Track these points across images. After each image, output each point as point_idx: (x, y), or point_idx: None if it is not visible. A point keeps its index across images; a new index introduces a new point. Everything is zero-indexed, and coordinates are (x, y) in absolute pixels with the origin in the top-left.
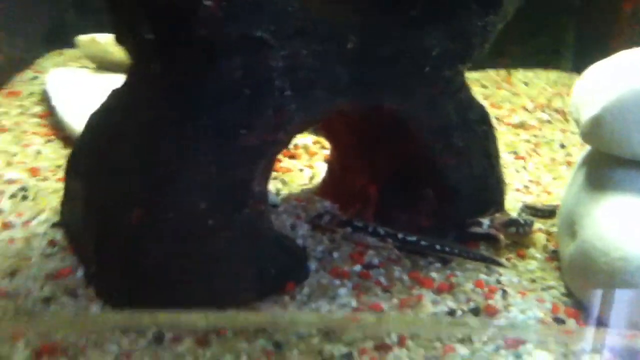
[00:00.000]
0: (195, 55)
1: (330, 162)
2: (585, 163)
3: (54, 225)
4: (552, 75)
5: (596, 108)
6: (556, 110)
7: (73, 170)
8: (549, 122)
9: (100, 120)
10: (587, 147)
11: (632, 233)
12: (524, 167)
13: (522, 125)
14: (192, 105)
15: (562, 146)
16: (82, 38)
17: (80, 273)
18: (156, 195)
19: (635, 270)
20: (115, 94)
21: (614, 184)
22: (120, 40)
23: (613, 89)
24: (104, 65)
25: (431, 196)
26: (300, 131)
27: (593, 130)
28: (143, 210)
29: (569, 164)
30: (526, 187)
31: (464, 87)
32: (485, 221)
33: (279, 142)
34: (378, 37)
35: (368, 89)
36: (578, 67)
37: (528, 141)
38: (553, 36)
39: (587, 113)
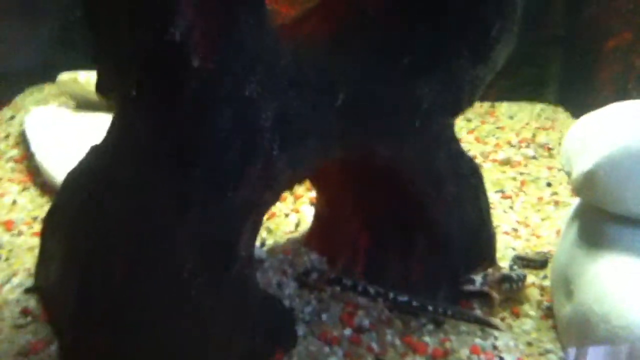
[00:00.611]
0: (182, 112)
1: (317, 209)
2: (578, 216)
3: (28, 290)
4: (537, 108)
5: (589, 163)
6: (541, 146)
7: (50, 231)
8: (534, 158)
9: (80, 177)
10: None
11: (633, 299)
12: (511, 207)
13: (507, 162)
14: (177, 163)
15: (549, 184)
16: (63, 76)
17: (54, 347)
18: (141, 255)
19: (638, 340)
20: (96, 150)
21: (609, 241)
22: (103, 90)
23: (606, 143)
24: (85, 104)
25: (423, 248)
26: (290, 187)
27: (585, 185)
28: (127, 270)
29: (556, 203)
30: (514, 229)
31: (454, 139)
32: (478, 278)
33: (266, 201)
34: (369, 88)
35: (359, 140)
36: (563, 99)
37: (514, 179)
38: (538, 68)
39: (579, 167)
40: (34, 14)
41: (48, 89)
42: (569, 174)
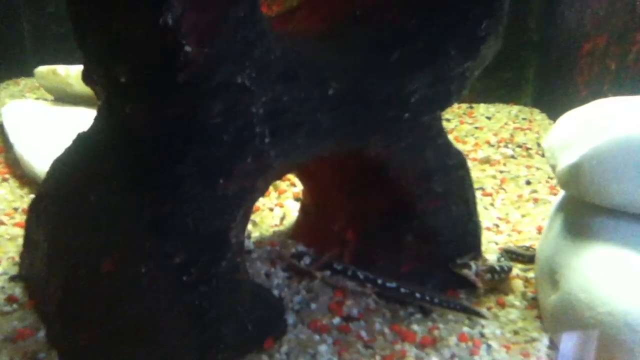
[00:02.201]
0: (175, 98)
1: (304, 202)
2: (562, 209)
3: (13, 278)
4: (514, 109)
5: (574, 156)
6: (519, 145)
7: (35, 219)
8: (513, 157)
9: (66, 166)
10: (562, 192)
11: (618, 287)
12: (492, 204)
13: (487, 161)
14: (168, 152)
15: (528, 182)
16: (41, 69)
17: (41, 334)
18: (130, 247)
19: (623, 326)
20: (82, 138)
21: (594, 233)
22: (89, 79)
23: (591, 137)
24: (63, 97)
25: (411, 241)
26: (280, 177)
27: (571, 179)
28: (115, 262)
29: (535, 201)
30: (496, 225)
31: (442, 133)
32: (474, 265)
33: (257, 190)
34: (359, 83)
35: (349, 134)
36: (538, 102)
37: (494, 177)
38: (514, 71)
39: (564, 160)
40: (7, 7)
41: (24, 82)
42: (554, 167)
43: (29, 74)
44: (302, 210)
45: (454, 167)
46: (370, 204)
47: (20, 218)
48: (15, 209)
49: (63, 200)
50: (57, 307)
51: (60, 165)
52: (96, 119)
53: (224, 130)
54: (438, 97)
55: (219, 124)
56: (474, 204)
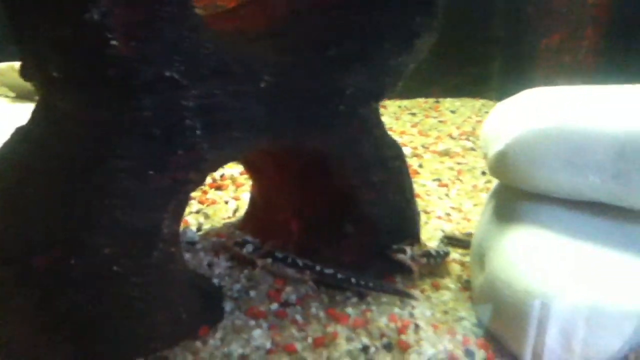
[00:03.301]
0: (105, 94)
1: (252, 195)
2: (494, 196)
3: None
4: (478, 103)
5: (500, 144)
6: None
7: None
8: (472, 149)
9: (4, 160)
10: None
11: (534, 266)
12: (447, 195)
13: (447, 153)
14: (101, 145)
15: (484, 173)
16: (1, 66)
17: None
18: (63, 240)
19: (538, 303)
20: (21, 131)
21: (518, 216)
22: (26, 74)
23: (516, 126)
24: (24, 94)
25: (352, 231)
26: (215, 169)
27: (498, 165)
28: (49, 256)
29: (489, 190)
30: (447, 214)
31: (379, 124)
32: (409, 250)
33: (190, 182)
34: (293, 76)
35: (285, 127)
36: (503, 96)
37: (452, 169)
38: (479, 67)
39: (493, 148)
40: None
41: None
42: (485, 155)
43: None
44: (251, 202)
45: (391, 158)
46: (312, 195)
47: None
48: None
49: (1, 194)
50: None
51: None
52: (33, 113)
53: (155, 124)
54: (373, 90)
55: (149, 118)
56: (411, 192)
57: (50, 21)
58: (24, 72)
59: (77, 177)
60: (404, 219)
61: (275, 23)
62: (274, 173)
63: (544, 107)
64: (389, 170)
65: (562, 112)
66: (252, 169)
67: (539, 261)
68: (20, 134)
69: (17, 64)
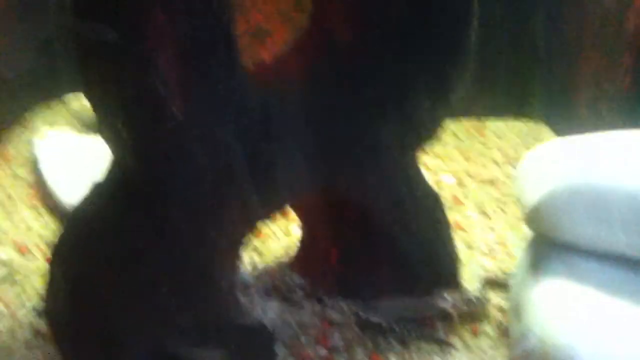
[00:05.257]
0: (163, 150)
1: (301, 236)
2: (530, 243)
3: (39, 312)
4: (522, 125)
5: (531, 199)
6: None
7: (56, 260)
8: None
9: (82, 214)
10: None
11: (568, 322)
12: (491, 227)
13: (491, 181)
14: (161, 203)
15: None
16: (71, 98)
17: None
18: (130, 292)
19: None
20: (95, 187)
21: (552, 268)
22: (101, 132)
23: (545, 181)
24: (89, 124)
25: (391, 276)
26: (265, 220)
27: (530, 218)
28: (121, 305)
29: None
30: (491, 249)
31: (416, 172)
32: (448, 297)
33: (243, 235)
34: (332, 128)
35: (324, 177)
36: (546, 117)
37: (496, 199)
38: (524, 87)
39: (527, 200)
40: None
41: (57, 107)
42: (520, 203)
43: (61, 98)
44: (301, 241)
45: (428, 205)
46: (351, 236)
47: (48, 251)
48: (45, 242)
49: (78, 248)
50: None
51: (78, 212)
52: (107, 171)
53: (207, 179)
54: (409, 141)
55: (201, 174)
56: (450, 238)
57: (116, 84)
58: (99, 130)
59: (142, 232)
60: (442, 265)
61: (315, 73)
62: (315, 212)
63: (571, 161)
64: (426, 216)
65: (588, 168)
66: (297, 209)
67: (573, 318)
68: (95, 189)
69: (81, 95)
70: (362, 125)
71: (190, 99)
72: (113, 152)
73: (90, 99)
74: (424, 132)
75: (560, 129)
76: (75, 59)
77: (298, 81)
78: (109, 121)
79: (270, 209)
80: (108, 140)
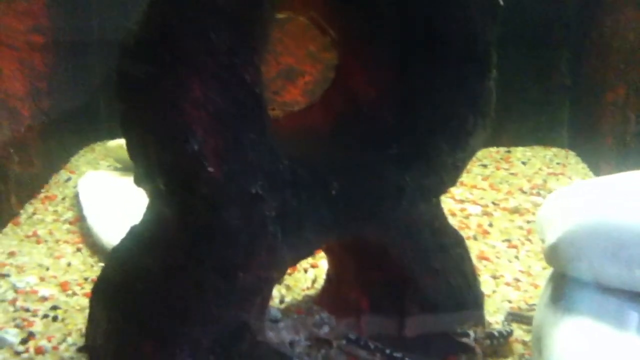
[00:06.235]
0: (199, 206)
1: (328, 271)
2: (551, 279)
3: (80, 349)
4: (550, 153)
5: (552, 237)
6: (551, 192)
7: (97, 298)
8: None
9: (120, 256)
10: None
11: (582, 358)
12: (516, 257)
13: (517, 210)
14: (197, 250)
15: None
16: (111, 144)
17: None
18: (166, 332)
19: None
20: (134, 232)
21: (572, 305)
22: (139, 182)
23: (566, 220)
24: (129, 167)
25: (414, 311)
26: (293, 265)
27: (551, 256)
28: (153, 344)
29: None
30: (516, 279)
31: (439, 216)
32: (472, 333)
33: (273, 280)
34: (357, 177)
35: (349, 225)
36: (572, 145)
37: (521, 227)
38: (550, 114)
39: (548, 238)
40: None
41: (98, 149)
42: (542, 241)
43: (104, 139)
44: (327, 277)
45: (451, 246)
46: (377, 279)
47: (89, 288)
48: (86, 279)
49: (116, 287)
50: None
51: (117, 254)
52: (144, 215)
53: (241, 231)
54: (432, 186)
55: (236, 227)
56: (474, 277)
57: (157, 148)
58: (136, 181)
59: (177, 276)
60: (466, 302)
61: (340, 123)
62: (342, 254)
63: (591, 201)
64: (450, 258)
65: (607, 208)
66: (325, 249)
67: (592, 355)
68: (132, 233)
69: (122, 142)
70: (386, 171)
71: (225, 161)
72: (150, 200)
73: (133, 160)
74: (446, 175)
75: (587, 157)
76: (120, 127)
77: (324, 127)
78: (148, 179)
79: (298, 256)
80: (146, 191)
